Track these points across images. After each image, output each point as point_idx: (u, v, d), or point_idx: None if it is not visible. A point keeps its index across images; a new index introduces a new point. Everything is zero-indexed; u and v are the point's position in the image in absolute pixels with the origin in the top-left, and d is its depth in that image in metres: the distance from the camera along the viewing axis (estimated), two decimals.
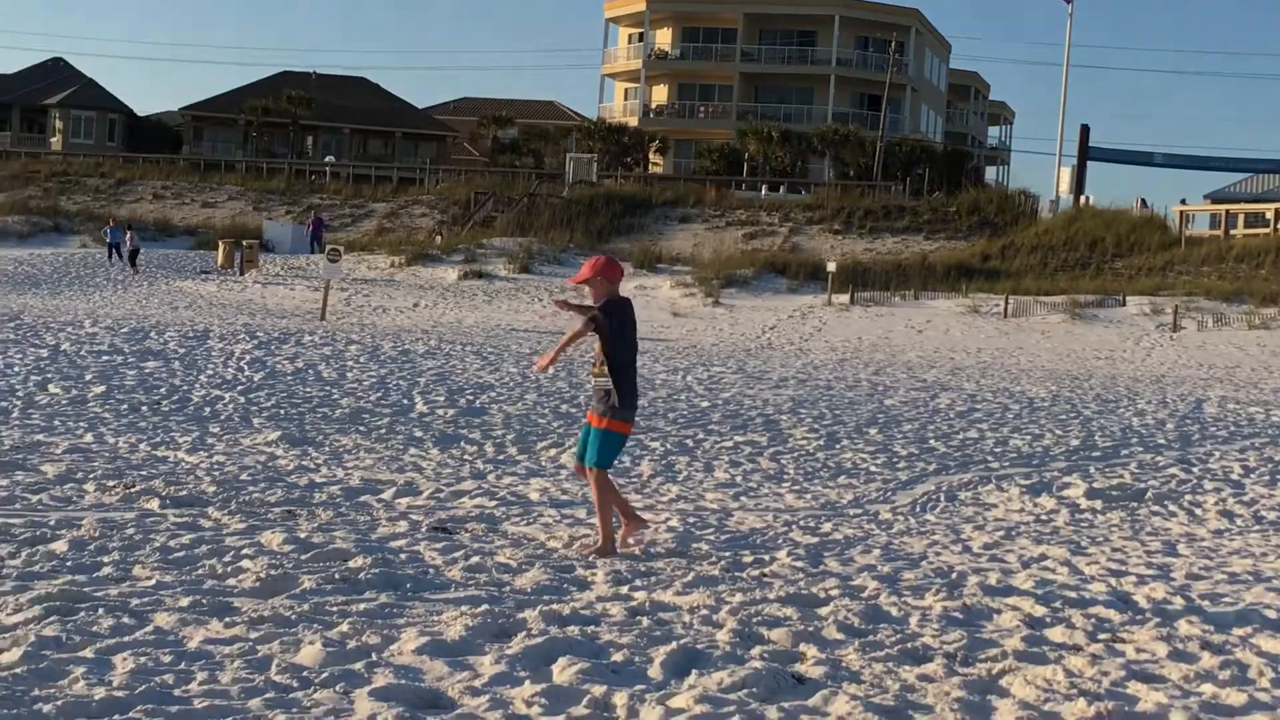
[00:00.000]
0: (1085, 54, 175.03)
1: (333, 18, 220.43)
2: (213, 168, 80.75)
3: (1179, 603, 8.92)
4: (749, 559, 9.87)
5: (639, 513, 10.58)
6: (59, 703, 5.95)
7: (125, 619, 7.35)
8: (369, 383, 20.52)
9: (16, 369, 19.44)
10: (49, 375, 19.02)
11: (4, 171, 77.58)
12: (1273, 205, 64.38)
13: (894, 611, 8.36)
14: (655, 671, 6.89)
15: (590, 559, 9.54)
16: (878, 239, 63.54)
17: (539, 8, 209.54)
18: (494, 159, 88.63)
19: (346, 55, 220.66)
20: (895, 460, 16.01)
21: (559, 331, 34.41)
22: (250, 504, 11.04)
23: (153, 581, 8.21)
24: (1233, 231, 61.76)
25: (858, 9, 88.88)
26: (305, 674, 6.57)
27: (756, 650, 7.32)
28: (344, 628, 7.37)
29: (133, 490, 11.21)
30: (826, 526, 11.60)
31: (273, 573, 8.46)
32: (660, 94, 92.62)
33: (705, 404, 20.60)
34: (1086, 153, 71.22)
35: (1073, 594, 9.03)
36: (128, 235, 54.14)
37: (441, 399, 19.14)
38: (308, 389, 19.45)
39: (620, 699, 6.38)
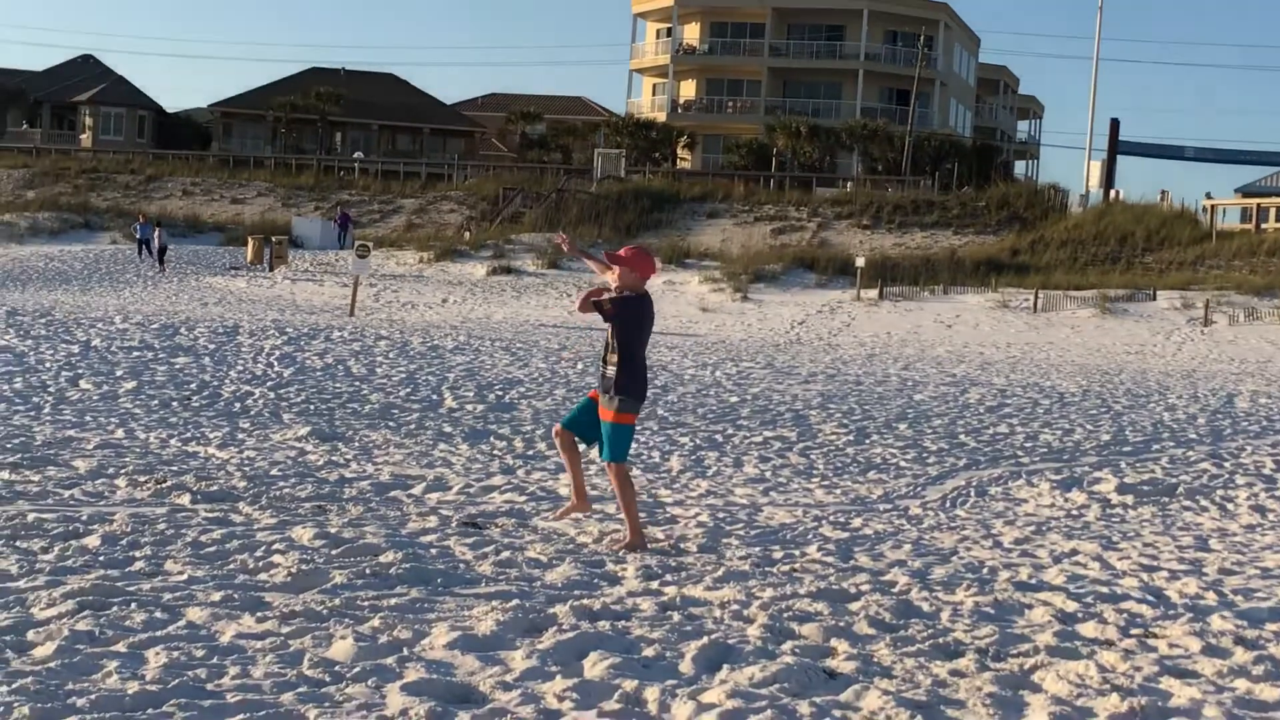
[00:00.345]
0: (1115, 48, 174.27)
1: (362, 14, 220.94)
2: (242, 164, 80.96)
3: (1211, 598, 8.88)
4: (779, 554, 9.86)
5: (592, 502, 10.70)
6: (92, 697, 5.97)
7: (157, 613, 7.38)
8: (398, 378, 20.55)
9: (48, 364, 19.52)
10: (80, 371, 19.09)
11: (35, 168, 78.03)
12: None
13: (925, 606, 8.34)
14: (686, 666, 6.88)
15: (620, 554, 9.54)
16: (907, 234, 63.40)
17: (567, 4, 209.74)
18: (522, 155, 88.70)
19: (375, 51, 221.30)
20: (925, 455, 15.97)
21: (587, 326, 34.42)
22: (281, 499, 11.07)
23: (184, 576, 8.23)
24: (1264, 226, 61.40)
25: (886, 3, 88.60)
26: (337, 668, 6.59)
27: (787, 645, 7.31)
28: (375, 622, 7.38)
29: (164, 485, 11.24)
30: (856, 521, 11.59)
31: (304, 568, 8.48)
32: (688, 89, 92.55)
33: (734, 399, 20.58)
34: (1116, 147, 70.94)
35: (1104, 589, 9.00)
36: (157, 232, 54.32)
37: (471, 394, 19.16)
38: (337, 384, 19.50)
39: (652, 694, 6.37)
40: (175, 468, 12.26)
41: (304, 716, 5.94)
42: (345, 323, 32.70)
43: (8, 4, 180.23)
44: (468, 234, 63.35)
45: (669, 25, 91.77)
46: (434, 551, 9.27)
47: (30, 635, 6.89)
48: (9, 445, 12.79)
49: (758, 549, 10.00)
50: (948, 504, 13.01)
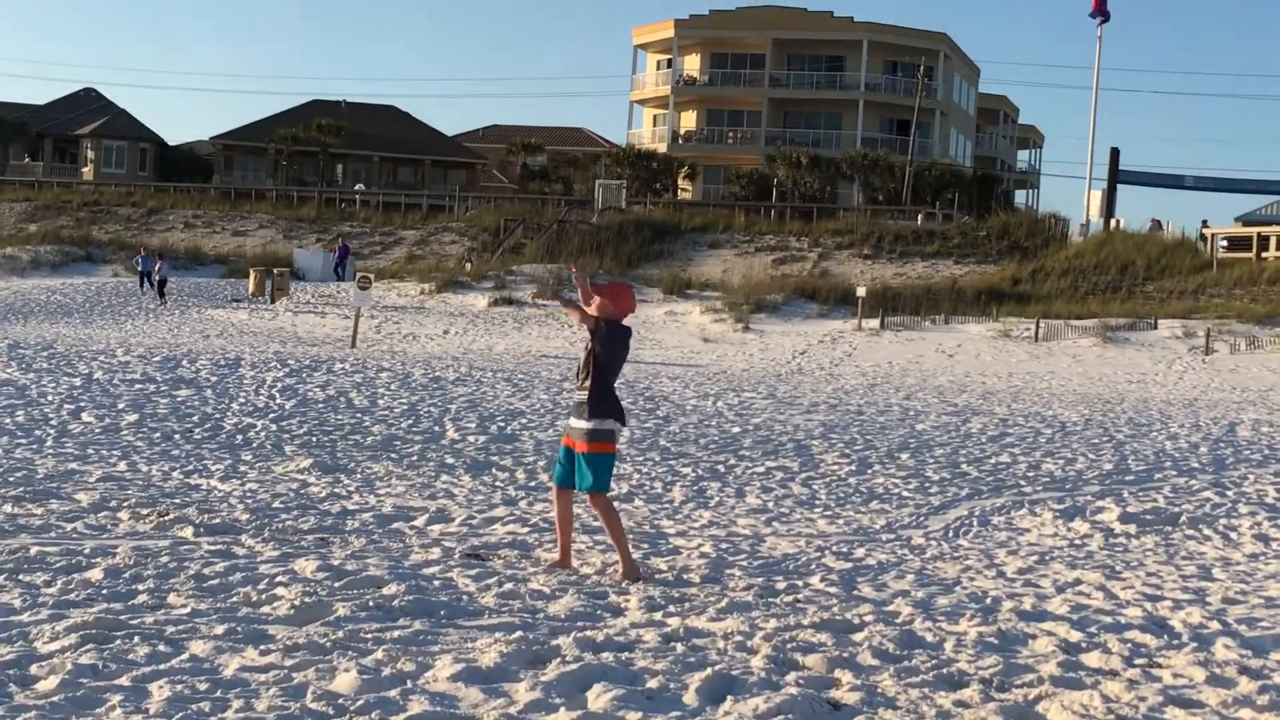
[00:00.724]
0: (1115, 77, 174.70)
1: (363, 47, 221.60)
2: (243, 196, 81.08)
3: (1215, 627, 8.87)
4: (782, 585, 9.86)
5: (573, 554, 10.43)
6: None
7: (161, 647, 7.37)
8: (400, 410, 20.56)
9: (50, 398, 19.54)
10: (82, 404, 19.11)
11: (37, 201, 78.21)
12: None
13: (929, 637, 8.33)
14: (690, 698, 6.87)
15: (624, 585, 9.54)
16: (907, 263, 63.45)
17: (568, 36, 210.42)
18: (523, 186, 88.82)
19: (376, 84, 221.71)
20: (927, 485, 15.97)
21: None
22: (283, 531, 11.07)
23: (188, 609, 8.23)
24: (1264, 254, 61.42)
25: (886, 34, 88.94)
26: (341, 701, 6.58)
27: (791, 676, 7.30)
28: (379, 655, 7.38)
29: (166, 518, 11.24)
30: (859, 552, 11.58)
31: (307, 600, 8.48)
32: (689, 120, 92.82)
33: (736, 429, 20.58)
34: (1117, 176, 70.98)
35: (1108, 619, 8.99)
36: (158, 265, 54.38)
37: (473, 426, 19.17)
38: (339, 416, 19.50)
39: None
40: (178, 500, 12.26)
41: None
42: (347, 354, 32.73)
43: (10, 37, 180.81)
44: (469, 265, 63.40)
45: (669, 57, 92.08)
46: (437, 583, 9.26)
47: (34, 669, 6.89)
48: (12, 478, 12.80)
49: (761, 580, 10.00)
50: (951, 534, 13.00)
